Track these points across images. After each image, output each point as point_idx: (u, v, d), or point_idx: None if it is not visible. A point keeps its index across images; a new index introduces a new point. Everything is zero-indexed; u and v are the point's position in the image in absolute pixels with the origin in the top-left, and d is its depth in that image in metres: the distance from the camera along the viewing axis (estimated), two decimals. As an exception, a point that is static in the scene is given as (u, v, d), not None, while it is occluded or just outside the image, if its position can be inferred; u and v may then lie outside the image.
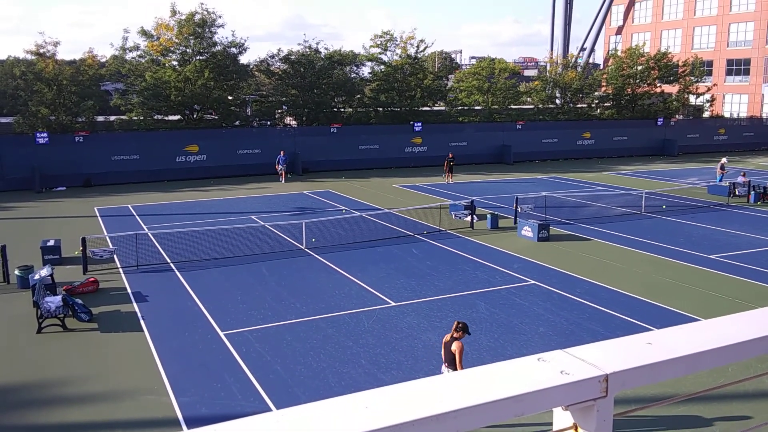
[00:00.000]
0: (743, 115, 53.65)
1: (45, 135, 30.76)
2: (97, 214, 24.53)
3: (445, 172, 32.45)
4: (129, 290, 15.28)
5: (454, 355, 8.44)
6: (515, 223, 21.57)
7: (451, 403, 0.86)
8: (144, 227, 21.74)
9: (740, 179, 28.03)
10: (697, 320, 11.00)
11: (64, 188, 30.47)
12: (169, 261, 17.67)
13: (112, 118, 37.21)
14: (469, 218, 22.09)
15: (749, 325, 1.16)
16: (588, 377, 0.96)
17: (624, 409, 1.04)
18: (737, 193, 27.02)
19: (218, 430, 0.84)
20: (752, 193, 26.59)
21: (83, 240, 16.86)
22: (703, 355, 1.04)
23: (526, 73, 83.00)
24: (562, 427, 1.04)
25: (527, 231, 20.28)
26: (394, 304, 14.25)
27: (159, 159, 32.77)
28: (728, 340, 1.07)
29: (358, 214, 23.59)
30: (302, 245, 19.15)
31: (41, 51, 33.95)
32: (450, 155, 32.80)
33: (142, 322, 13.24)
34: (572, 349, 1.09)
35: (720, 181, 29.97)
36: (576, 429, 1.03)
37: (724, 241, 19.80)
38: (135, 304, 14.30)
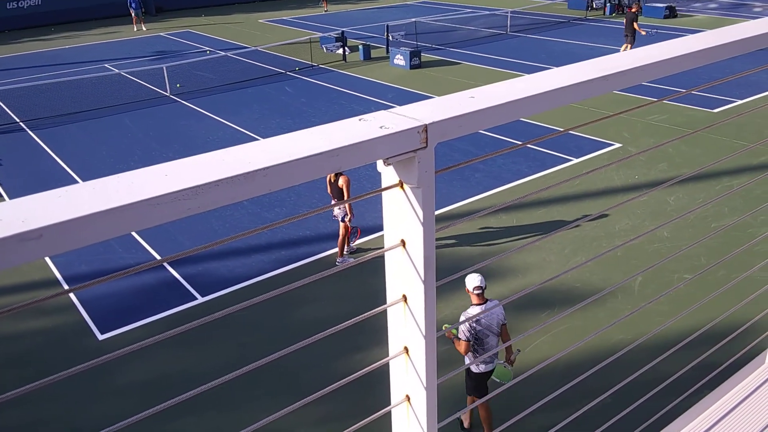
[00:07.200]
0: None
1: None
2: None
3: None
4: (-23, 156, 13.94)
5: (341, 189, 8.71)
6: (387, 52, 21.29)
7: (261, 162, 0.83)
8: (-19, 86, 19.42)
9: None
10: (558, 129, 11.60)
11: None
12: (17, 120, 16.11)
13: None
14: (341, 51, 21.49)
15: (569, 75, 1.21)
16: (406, 128, 0.97)
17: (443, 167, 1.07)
18: (594, 6, 27.94)
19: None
20: (608, 5, 27.58)
21: None
22: (523, 102, 1.07)
23: None
24: (389, 184, 1.06)
25: (399, 59, 20.14)
26: (271, 143, 14.02)
27: (-17, 6, 28.56)
28: (548, 87, 1.10)
29: (224, 54, 22.25)
30: (167, 92, 18.00)
31: None
32: None
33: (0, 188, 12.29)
34: (396, 108, 1.08)
35: None
36: (402, 185, 1.05)
37: (583, 54, 20.75)
38: (-13, 171, 13.14)
